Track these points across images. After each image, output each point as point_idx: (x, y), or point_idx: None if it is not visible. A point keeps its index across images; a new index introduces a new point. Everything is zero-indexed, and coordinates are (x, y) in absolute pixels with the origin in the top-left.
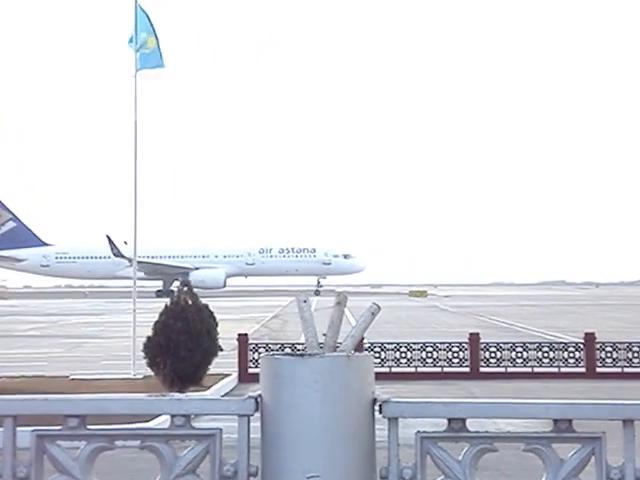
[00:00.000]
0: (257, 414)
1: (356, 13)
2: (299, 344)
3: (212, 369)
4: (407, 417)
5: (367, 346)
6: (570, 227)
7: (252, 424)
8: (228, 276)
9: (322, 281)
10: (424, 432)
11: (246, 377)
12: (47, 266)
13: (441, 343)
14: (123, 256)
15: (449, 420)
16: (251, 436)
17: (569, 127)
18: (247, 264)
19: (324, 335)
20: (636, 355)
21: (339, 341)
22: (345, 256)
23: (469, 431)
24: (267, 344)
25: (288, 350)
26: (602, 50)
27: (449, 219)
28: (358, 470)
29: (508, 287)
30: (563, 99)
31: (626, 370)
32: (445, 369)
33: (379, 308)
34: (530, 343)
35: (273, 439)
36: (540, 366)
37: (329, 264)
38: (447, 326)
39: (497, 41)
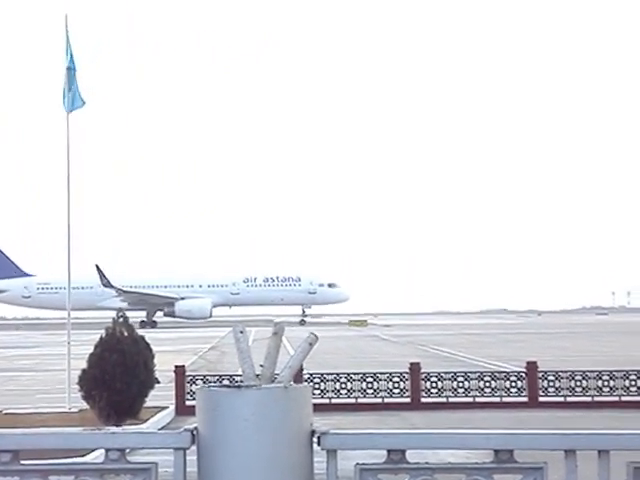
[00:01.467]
0: (194, 447)
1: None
2: (237, 376)
3: (149, 402)
4: (346, 449)
5: (306, 377)
6: (511, 255)
7: (189, 457)
8: (213, 306)
9: (307, 310)
10: (363, 464)
11: (183, 410)
12: (29, 297)
13: (381, 373)
14: (112, 286)
15: (388, 451)
16: (188, 470)
17: (505, 150)
18: (232, 294)
19: (261, 366)
20: (578, 384)
21: (277, 372)
22: (330, 285)
23: (409, 462)
24: (204, 376)
25: (226, 382)
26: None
27: (388, 248)
28: None
29: (449, 316)
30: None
31: (569, 399)
32: (386, 400)
33: (317, 338)
34: (472, 372)
35: (210, 473)
36: (482, 396)
37: (314, 293)
38: (388, 356)
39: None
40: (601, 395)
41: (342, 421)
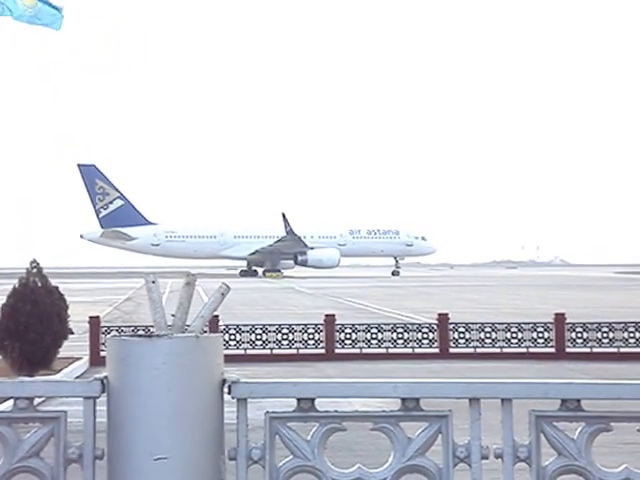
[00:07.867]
0: (104, 397)
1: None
2: (152, 327)
3: (63, 353)
4: (256, 397)
5: (222, 328)
6: (425, 209)
7: (99, 407)
8: None
9: (400, 262)
10: (273, 412)
11: (98, 360)
12: (157, 245)
13: (297, 325)
14: (294, 233)
15: (298, 400)
16: (98, 419)
17: (429, 99)
18: (339, 245)
19: (173, 316)
20: (488, 336)
21: (188, 323)
22: (423, 238)
23: (318, 411)
24: (119, 327)
25: (141, 333)
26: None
27: (302, 200)
28: (206, 451)
29: (364, 268)
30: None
31: (478, 350)
32: (301, 351)
33: (229, 288)
34: (385, 324)
35: (119, 421)
36: (395, 347)
37: (411, 245)
38: (303, 308)
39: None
40: (510, 347)
41: (257, 372)
